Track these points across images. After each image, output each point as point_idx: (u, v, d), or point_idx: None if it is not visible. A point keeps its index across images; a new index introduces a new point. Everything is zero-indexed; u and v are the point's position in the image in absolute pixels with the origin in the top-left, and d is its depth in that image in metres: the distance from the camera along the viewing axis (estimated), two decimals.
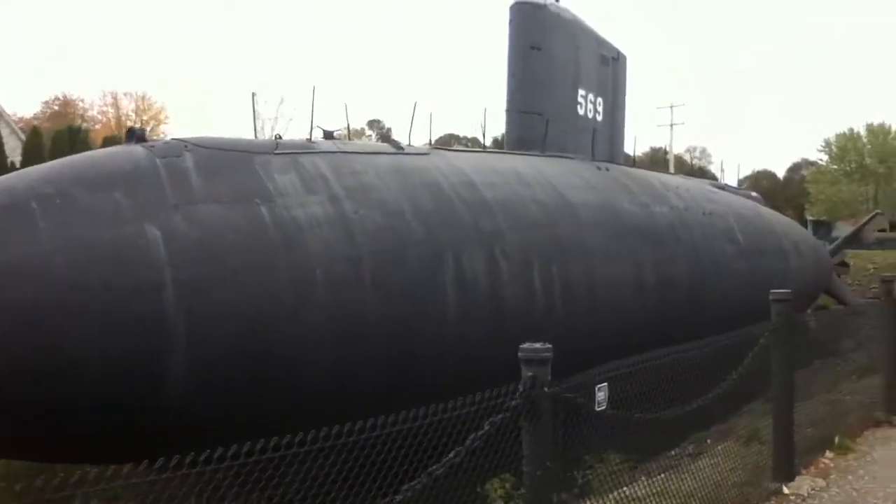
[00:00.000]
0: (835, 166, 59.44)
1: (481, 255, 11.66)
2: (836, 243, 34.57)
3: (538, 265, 12.50)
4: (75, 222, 8.57)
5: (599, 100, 18.98)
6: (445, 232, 11.38)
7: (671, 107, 54.47)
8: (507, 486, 7.70)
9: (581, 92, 18.07)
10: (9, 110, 52.48)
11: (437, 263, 11.00)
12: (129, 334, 8.37)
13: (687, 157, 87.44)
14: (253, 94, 11.97)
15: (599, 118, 19.00)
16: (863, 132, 59.16)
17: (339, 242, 10.13)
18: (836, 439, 9.57)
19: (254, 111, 12.04)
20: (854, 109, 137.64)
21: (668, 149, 68.30)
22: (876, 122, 58.99)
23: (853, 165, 58.72)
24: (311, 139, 11.68)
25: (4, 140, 36.73)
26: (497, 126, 24.02)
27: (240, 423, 7.93)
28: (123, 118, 56.41)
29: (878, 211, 41.71)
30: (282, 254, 9.53)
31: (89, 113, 57.60)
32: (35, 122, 48.13)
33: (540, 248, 12.74)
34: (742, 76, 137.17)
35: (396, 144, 12.77)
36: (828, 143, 60.37)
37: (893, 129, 58.94)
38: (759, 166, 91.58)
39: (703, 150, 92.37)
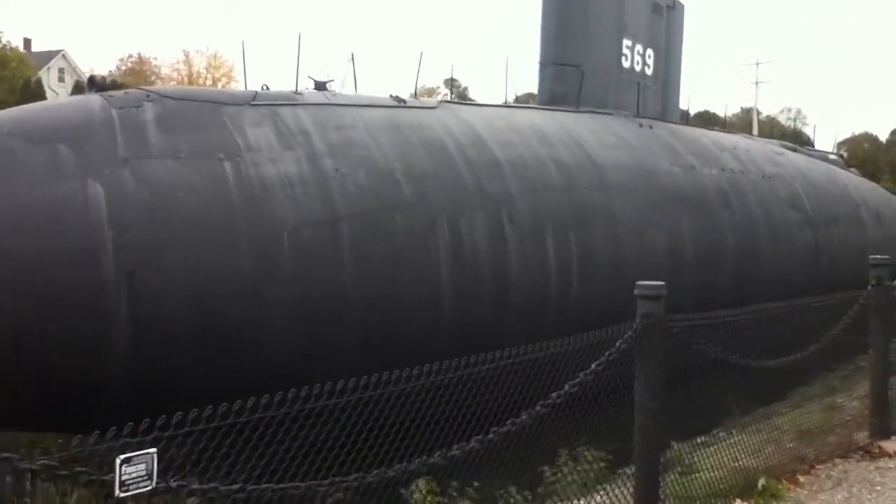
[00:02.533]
0: None
1: (484, 222, 10.53)
2: None
3: (552, 234, 11.27)
4: (8, 179, 7.85)
5: (650, 52, 17.35)
6: (442, 195, 10.28)
7: (756, 63, 51.09)
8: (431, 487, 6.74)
9: (627, 42, 16.50)
10: (84, 67, 53.47)
11: (430, 230, 9.94)
12: (64, 303, 7.66)
13: (781, 119, 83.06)
14: (299, 36, 10.90)
15: (649, 72, 17.39)
16: None
17: (313, 204, 9.17)
18: (760, 482, 6.35)
19: (298, 56, 10.88)
20: None
21: (755, 111, 64.76)
22: None
23: None
24: (297, 90, 10.67)
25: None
26: None
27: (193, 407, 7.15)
28: (195, 76, 56.72)
29: None
30: (242, 216, 8.64)
31: (163, 70, 58.14)
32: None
33: (555, 214, 11.50)
34: (844, 31, 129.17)
35: (399, 98, 11.66)
36: None
37: None
38: (861, 129, 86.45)
39: (799, 112, 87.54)
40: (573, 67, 15.19)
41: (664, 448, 5.86)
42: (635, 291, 5.67)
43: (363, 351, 9.04)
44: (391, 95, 11.73)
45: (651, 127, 15.68)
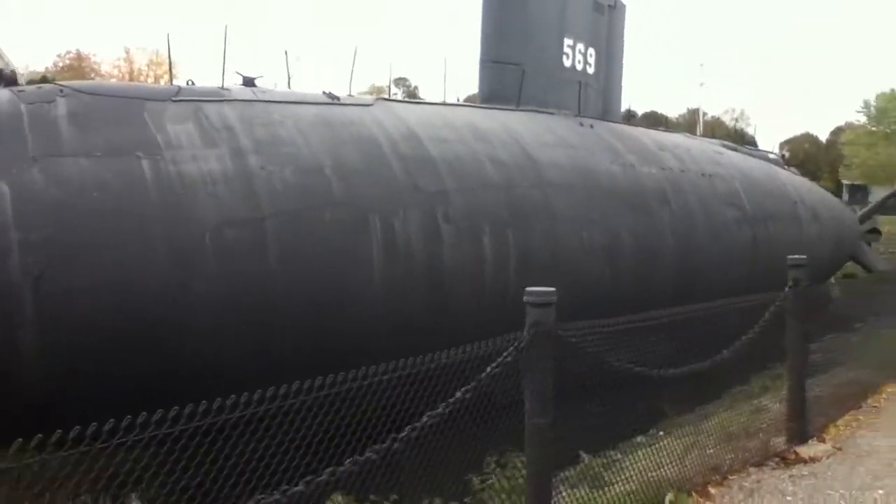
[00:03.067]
0: (873, 128, 56.49)
1: (418, 219, 10.32)
2: (866, 209, 32.62)
3: (490, 231, 11.10)
4: None
5: (591, 51, 17.32)
6: (374, 192, 10.05)
7: (701, 65, 51.73)
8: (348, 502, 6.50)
9: (568, 41, 16.44)
10: (20, 64, 51.84)
11: (361, 227, 9.69)
12: None
13: (726, 119, 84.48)
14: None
15: (590, 71, 17.36)
16: None
17: (236, 203, 8.87)
18: (668, 497, 5.93)
19: (224, 50, 10.54)
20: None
21: (700, 111, 65.74)
22: None
23: (893, 127, 55.73)
24: (223, 86, 10.34)
25: None
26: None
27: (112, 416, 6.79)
28: (136, 73, 55.38)
29: None
30: (160, 215, 8.30)
31: (102, 68, 56.69)
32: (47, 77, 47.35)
33: (492, 212, 11.34)
34: (787, 35, 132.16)
35: (332, 95, 11.38)
36: (867, 104, 57.48)
37: None
38: (802, 129, 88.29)
39: (742, 113, 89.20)
40: (514, 66, 15.05)
41: (570, 462, 5.73)
42: (524, 298, 5.18)
43: (292, 353, 8.75)
44: (324, 92, 11.45)
45: (592, 126, 15.64)
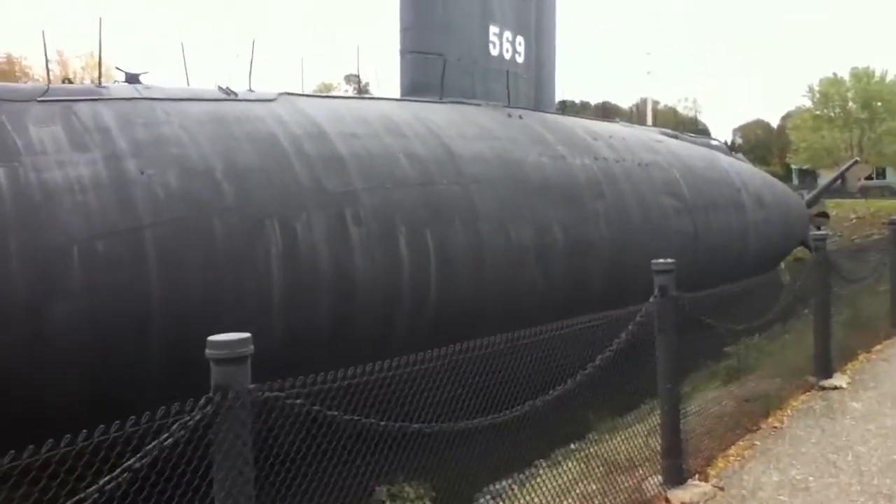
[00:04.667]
0: (818, 112, 56.93)
1: (323, 222, 9.52)
2: (812, 193, 32.61)
3: (406, 232, 10.36)
4: None
5: (520, 39, 16.70)
6: (271, 194, 9.23)
7: (648, 53, 51.58)
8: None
9: (494, 29, 15.78)
10: None
11: (256, 234, 8.87)
12: None
13: (679, 108, 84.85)
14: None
15: (520, 60, 16.73)
16: (846, 77, 56.51)
17: (110, 212, 7.99)
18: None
19: (100, 43, 9.66)
20: (846, 54, 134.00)
21: (650, 99, 65.73)
22: (862, 67, 56.29)
23: (837, 111, 56.23)
24: (100, 83, 9.44)
25: None
26: None
27: None
28: (72, 76, 53.48)
29: (856, 158, 39.36)
30: (15, 228, 7.40)
31: (36, 71, 54.63)
32: None
33: (409, 211, 10.59)
34: (738, 21, 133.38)
35: (228, 90, 10.54)
36: (811, 89, 57.87)
37: (878, 72, 56.24)
38: (754, 116, 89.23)
39: (695, 101, 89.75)
40: (435, 56, 14.35)
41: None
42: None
43: (169, 372, 7.91)
44: (220, 87, 10.60)
45: (521, 117, 14.99)
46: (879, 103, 55.37)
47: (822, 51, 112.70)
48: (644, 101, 75.50)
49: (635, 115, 61.41)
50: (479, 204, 11.71)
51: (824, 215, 31.22)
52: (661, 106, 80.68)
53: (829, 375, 8.76)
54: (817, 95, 57.37)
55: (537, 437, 5.40)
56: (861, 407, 7.87)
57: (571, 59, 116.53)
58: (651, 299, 5.80)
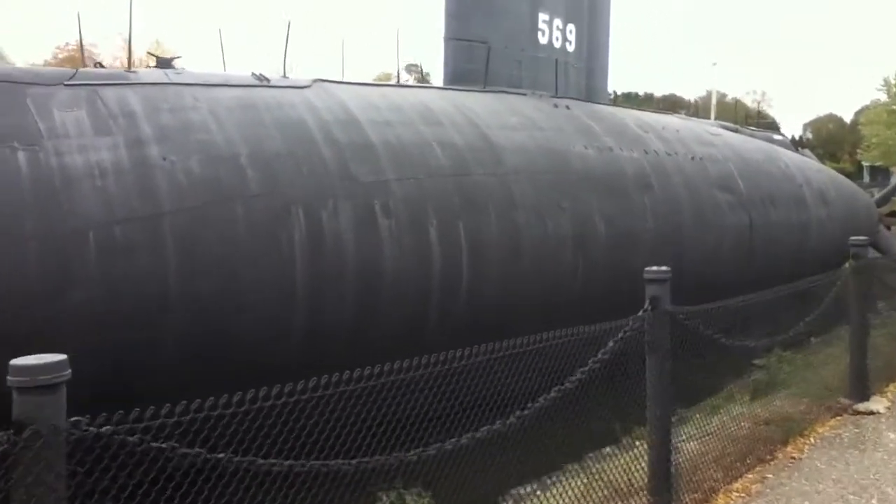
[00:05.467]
0: (894, 106, 54.36)
1: (350, 211, 9.29)
2: (883, 192, 31.22)
3: (437, 224, 10.06)
4: None
5: (570, 27, 16.20)
6: (297, 182, 9.03)
7: (713, 45, 49.87)
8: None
9: (543, 17, 15.33)
10: (16, 56, 51.32)
11: (280, 222, 8.68)
12: None
13: (748, 101, 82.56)
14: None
15: (570, 48, 16.24)
16: None
17: (128, 198, 7.89)
18: None
19: (130, 31, 9.68)
20: None
21: (719, 93, 64.07)
22: None
23: None
24: (129, 67, 9.36)
25: None
26: None
27: None
28: (137, 62, 54.55)
29: None
30: (33, 211, 7.34)
31: (102, 58, 55.93)
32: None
33: (441, 201, 10.28)
34: (812, 13, 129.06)
35: (262, 76, 10.37)
36: (887, 82, 55.24)
37: None
38: (826, 110, 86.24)
39: (764, 94, 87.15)
40: (480, 44, 13.97)
41: None
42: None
43: (188, 361, 7.79)
44: (253, 73, 10.44)
45: (568, 107, 14.53)
46: None
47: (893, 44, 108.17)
48: (709, 94, 73.72)
49: (700, 108, 59.86)
50: (517, 195, 11.32)
51: (895, 215, 29.87)
52: (728, 98, 78.64)
53: (864, 398, 7.91)
54: (894, 89, 54.77)
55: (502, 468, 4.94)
56: None
57: (636, 49, 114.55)
58: (640, 313, 5.09)
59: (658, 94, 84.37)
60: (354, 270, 9.19)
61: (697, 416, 5.84)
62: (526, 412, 4.02)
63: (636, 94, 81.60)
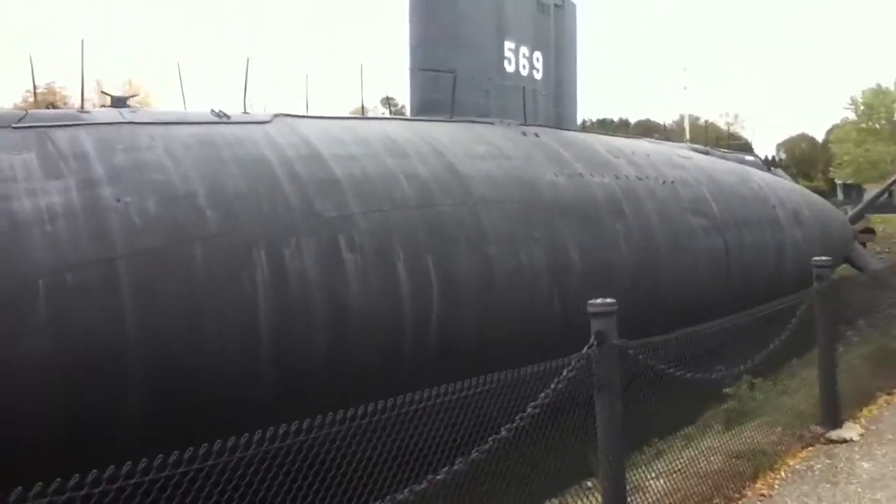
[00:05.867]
0: (862, 125, 55.14)
1: (314, 248, 9.04)
2: (856, 209, 31.35)
3: (405, 257, 9.83)
4: None
5: (537, 55, 16.17)
6: (259, 220, 8.79)
7: (684, 69, 50.70)
8: None
9: (509, 45, 15.28)
10: None
11: (241, 263, 8.42)
12: None
13: (721, 124, 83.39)
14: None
15: (538, 76, 16.19)
16: (892, 87, 54.69)
17: (80, 242, 7.60)
18: None
19: (82, 68, 9.36)
20: (892, 65, 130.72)
21: (692, 116, 64.67)
22: None
23: (882, 123, 54.41)
24: (82, 107, 9.12)
25: None
26: None
27: None
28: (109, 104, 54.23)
29: None
30: None
31: (74, 101, 55.69)
32: None
33: (409, 235, 10.07)
34: (781, 36, 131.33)
35: (221, 113, 10.16)
36: (854, 101, 56.12)
37: None
38: (799, 130, 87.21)
39: (736, 116, 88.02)
40: (446, 73, 13.87)
41: None
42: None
43: (152, 412, 7.48)
44: (212, 110, 10.22)
45: (537, 135, 14.42)
46: None
47: (868, 63, 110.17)
48: (682, 118, 74.55)
49: (674, 132, 60.37)
50: (487, 225, 11.14)
51: (870, 231, 30.01)
52: (701, 122, 79.37)
53: (837, 425, 7.48)
54: (861, 107, 55.63)
55: None
56: (872, 468, 6.49)
57: (610, 77, 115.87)
58: (585, 349, 4.65)
59: (633, 119, 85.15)
60: (322, 307, 8.93)
61: (669, 447, 5.56)
62: (456, 466, 3.67)
63: (611, 121, 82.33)
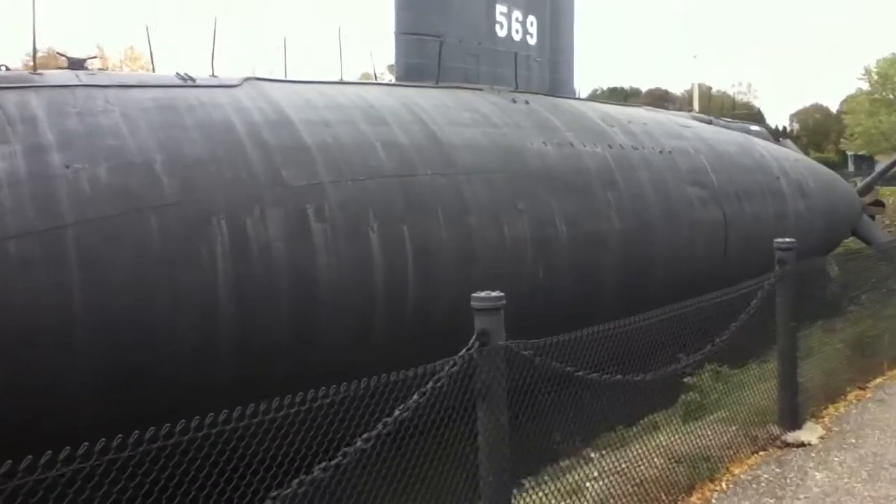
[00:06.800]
0: (875, 95, 53.99)
1: (279, 219, 8.62)
2: (866, 181, 30.67)
3: (378, 229, 9.40)
4: None
5: (531, 19, 15.58)
6: (220, 189, 8.37)
7: (693, 37, 49.37)
8: None
9: (501, 9, 14.71)
10: None
11: (199, 233, 8.01)
12: None
13: (733, 93, 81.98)
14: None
15: (532, 41, 15.62)
16: None
17: (25, 211, 7.21)
18: None
19: (34, 31, 8.95)
20: None
21: (704, 85, 63.62)
22: None
23: (895, 94, 53.20)
24: (34, 69, 8.69)
25: None
26: None
27: None
28: (111, 69, 53.81)
29: None
30: None
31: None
32: None
33: (385, 206, 9.62)
34: (796, 2, 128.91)
35: (186, 76, 9.69)
36: (867, 70, 54.90)
37: None
38: (812, 100, 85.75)
39: (749, 86, 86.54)
40: (432, 38, 13.32)
41: None
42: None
43: (98, 395, 7.13)
44: (177, 73, 9.76)
45: (527, 102, 13.89)
46: None
47: (884, 31, 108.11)
48: (697, 86, 73.31)
49: (687, 101, 59.37)
50: (468, 196, 10.68)
51: (879, 204, 29.35)
52: (714, 91, 78.05)
53: (796, 425, 6.72)
54: (874, 77, 54.41)
55: None
56: (825, 479, 5.78)
57: (622, 44, 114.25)
58: (463, 351, 3.98)
59: (644, 88, 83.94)
60: (287, 281, 8.53)
61: (628, 439, 5.04)
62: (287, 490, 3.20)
63: (622, 89, 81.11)
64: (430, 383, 3.81)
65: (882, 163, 40.57)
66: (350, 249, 9.12)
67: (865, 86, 56.25)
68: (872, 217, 27.11)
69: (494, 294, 4.26)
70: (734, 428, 6.15)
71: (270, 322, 8.33)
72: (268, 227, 8.50)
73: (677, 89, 78.86)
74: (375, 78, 14.12)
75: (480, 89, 13.58)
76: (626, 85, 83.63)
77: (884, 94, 53.96)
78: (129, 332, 7.39)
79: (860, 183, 29.89)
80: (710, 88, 76.71)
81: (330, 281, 8.86)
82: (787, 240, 7.24)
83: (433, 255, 9.93)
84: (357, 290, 9.11)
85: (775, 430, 6.59)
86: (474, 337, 4.05)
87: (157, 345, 7.52)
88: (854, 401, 7.74)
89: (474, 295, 4.26)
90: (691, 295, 6.55)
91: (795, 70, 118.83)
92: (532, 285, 11.12)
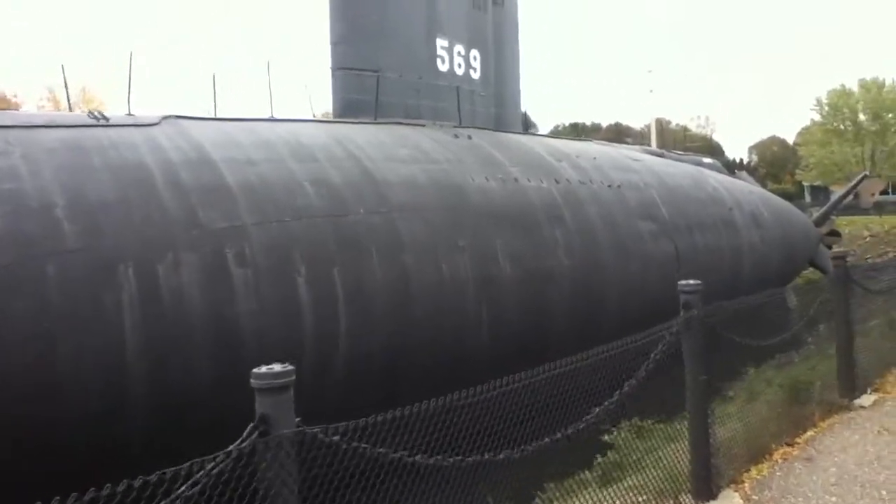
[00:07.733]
0: (827, 126, 54.90)
1: (195, 264, 8.05)
2: (821, 211, 30.87)
3: (306, 273, 8.86)
4: None
5: (474, 53, 15.30)
6: (128, 233, 7.78)
7: (649, 71, 50.28)
8: None
9: (442, 42, 14.40)
10: None
11: (104, 282, 7.41)
12: None
13: (692, 127, 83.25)
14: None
15: (475, 75, 15.32)
16: (855, 88, 54.51)
17: None
18: None
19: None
20: (856, 66, 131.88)
21: (664, 120, 64.43)
22: (871, 77, 54.21)
23: (847, 124, 54.15)
24: None
25: None
26: None
27: None
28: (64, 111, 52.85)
29: (866, 172, 37.50)
30: None
31: (25, 108, 54.09)
32: None
33: (313, 247, 9.10)
34: (749, 37, 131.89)
35: (99, 115, 9.15)
36: (819, 102, 55.90)
37: (888, 82, 54.19)
38: (770, 132, 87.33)
39: (707, 119, 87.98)
40: (369, 73, 12.94)
41: None
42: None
43: None
44: (90, 112, 9.22)
45: (470, 137, 13.53)
46: (890, 115, 53.36)
47: (834, 63, 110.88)
48: (656, 121, 74.19)
49: (646, 136, 59.94)
50: (404, 234, 10.19)
51: (835, 234, 29.49)
52: (673, 125, 79.11)
53: (711, 495, 5.86)
54: (826, 108, 55.42)
55: None
56: None
57: (584, 80, 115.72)
58: (241, 442, 3.25)
59: (605, 123, 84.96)
60: (204, 331, 7.94)
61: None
62: None
63: (583, 125, 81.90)
64: (183, 488, 2.98)
65: (837, 193, 41.08)
66: (275, 294, 8.56)
67: (818, 117, 57.25)
68: (829, 247, 27.18)
69: (278, 369, 3.58)
70: (643, 498, 5.35)
71: (184, 377, 7.71)
72: (181, 273, 7.93)
73: (637, 124, 79.89)
74: (313, 114, 13.71)
75: (422, 125, 13.20)
76: (588, 121, 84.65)
77: (835, 124, 54.94)
78: (25, 396, 6.75)
79: (816, 213, 30.06)
80: (668, 122, 77.92)
81: (253, 329, 8.28)
82: (692, 281, 6.40)
83: (367, 296, 9.40)
84: (283, 337, 8.54)
85: (687, 500, 5.79)
86: (256, 420, 3.32)
87: (58, 407, 6.87)
88: (779, 460, 6.89)
89: (255, 371, 3.59)
90: (646, 328, 6.03)
91: (754, 103, 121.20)
92: (477, 323, 10.64)
